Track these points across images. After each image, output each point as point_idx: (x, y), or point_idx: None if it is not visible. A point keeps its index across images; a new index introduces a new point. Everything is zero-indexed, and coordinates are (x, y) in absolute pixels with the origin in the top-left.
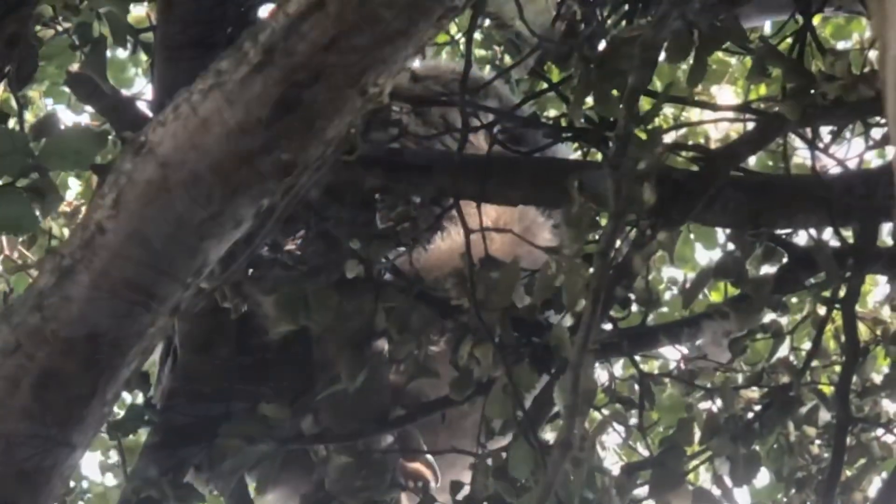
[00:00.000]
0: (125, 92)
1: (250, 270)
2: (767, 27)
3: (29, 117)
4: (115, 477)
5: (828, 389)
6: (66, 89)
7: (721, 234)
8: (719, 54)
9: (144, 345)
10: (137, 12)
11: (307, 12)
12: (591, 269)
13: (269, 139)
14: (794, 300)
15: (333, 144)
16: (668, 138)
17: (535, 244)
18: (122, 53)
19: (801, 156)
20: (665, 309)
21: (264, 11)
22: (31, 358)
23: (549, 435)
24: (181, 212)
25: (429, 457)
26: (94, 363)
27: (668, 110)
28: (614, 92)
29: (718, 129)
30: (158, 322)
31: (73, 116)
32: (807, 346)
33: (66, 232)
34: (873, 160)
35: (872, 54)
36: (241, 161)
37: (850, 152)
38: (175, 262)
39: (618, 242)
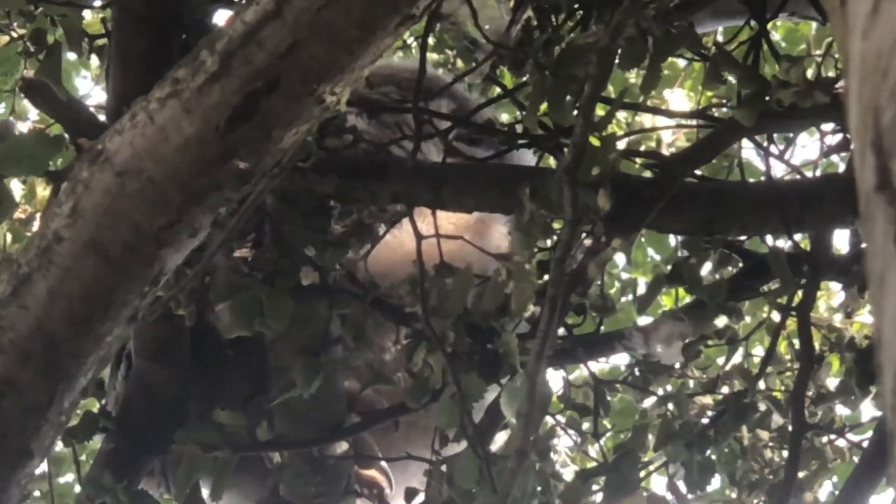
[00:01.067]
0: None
1: (206, 277)
2: (720, 33)
3: None
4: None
5: (782, 395)
6: (13, 95)
7: (674, 238)
8: (670, 58)
9: (102, 353)
10: (92, 19)
11: (264, 20)
12: (546, 276)
13: (226, 148)
14: (748, 306)
15: (290, 152)
16: (622, 144)
17: (485, 251)
18: (71, 58)
19: (756, 162)
20: (619, 316)
21: (220, 18)
22: None
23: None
24: (138, 220)
25: (383, 464)
26: (51, 372)
27: (621, 115)
28: (569, 99)
29: (671, 134)
30: (116, 331)
31: (19, 124)
32: (761, 352)
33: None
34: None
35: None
36: (199, 170)
37: (804, 159)
38: (132, 271)
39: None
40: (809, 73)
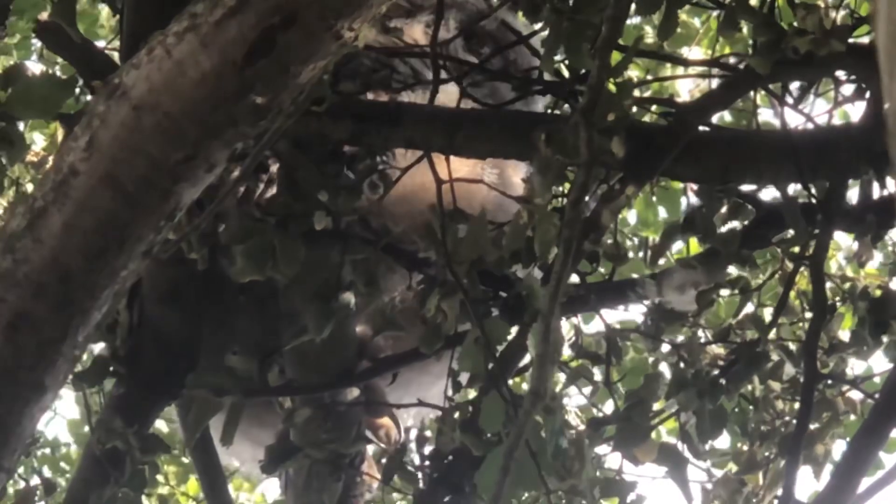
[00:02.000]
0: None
1: (218, 221)
2: None
3: None
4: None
5: (794, 346)
6: (37, 42)
7: (684, 199)
8: (685, 16)
9: (116, 287)
10: None
11: None
12: (562, 220)
13: (243, 83)
14: (762, 258)
15: (307, 89)
16: (638, 93)
17: (506, 194)
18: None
19: (769, 115)
20: (631, 269)
21: None
22: (2, 301)
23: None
24: (154, 154)
25: (394, 411)
26: (65, 306)
27: (638, 71)
28: (585, 45)
29: (687, 91)
30: (131, 265)
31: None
32: (774, 303)
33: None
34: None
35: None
36: (216, 104)
37: (817, 108)
38: (148, 205)
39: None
40: (826, 21)
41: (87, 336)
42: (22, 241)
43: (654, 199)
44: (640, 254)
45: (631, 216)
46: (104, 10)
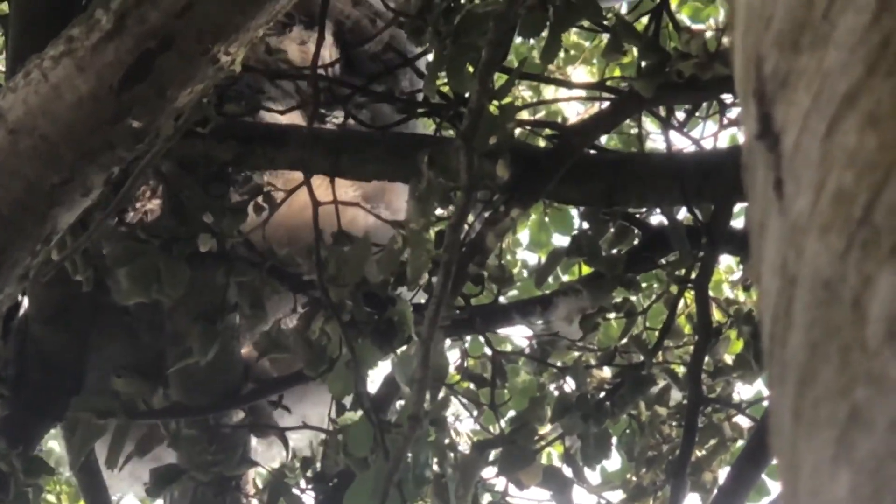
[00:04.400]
0: None
1: (102, 244)
2: (624, 7)
3: None
4: None
5: (680, 369)
6: None
7: (577, 219)
8: (574, 36)
9: None
10: None
11: None
12: (443, 245)
13: (120, 107)
14: (648, 278)
15: (185, 113)
16: (525, 114)
17: (380, 217)
18: None
19: (655, 139)
20: (516, 292)
21: None
22: None
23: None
24: (31, 178)
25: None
26: None
27: (525, 92)
28: (469, 68)
29: (576, 114)
30: (7, 289)
31: None
32: (660, 326)
33: None
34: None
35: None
36: (93, 128)
37: (704, 132)
38: (24, 229)
39: (471, 218)
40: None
41: None
42: None
43: (547, 220)
44: (529, 273)
45: (524, 237)
46: None
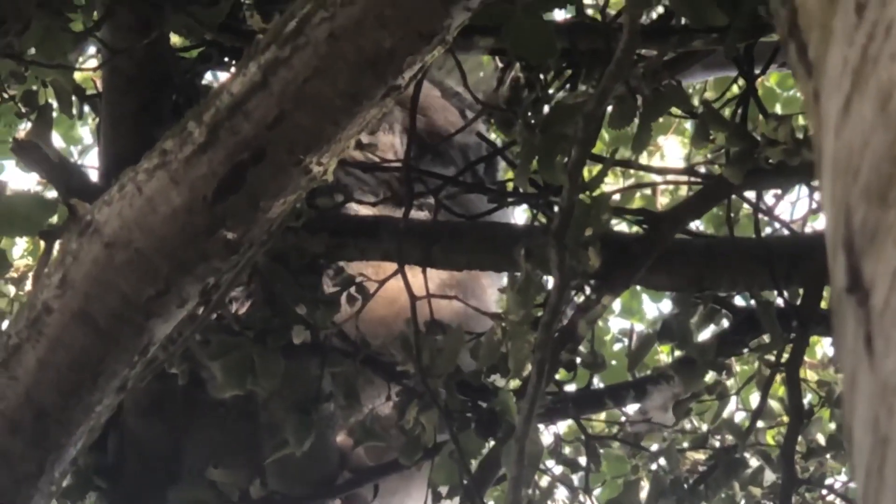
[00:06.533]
0: (74, 150)
1: (197, 335)
2: (710, 86)
3: None
4: None
5: (774, 450)
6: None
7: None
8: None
9: (91, 423)
10: (84, 76)
11: (251, 92)
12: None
13: (214, 218)
14: (741, 358)
15: (278, 222)
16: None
17: (480, 310)
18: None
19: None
20: (614, 362)
21: (209, 79)
22: None
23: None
24: (127, 291)
25: None
26: (41, 442)
27: (612, 177)
28: (559, 158)
29: (664, 190)
30: (105, 400)
31: (22, 173)
32: (754, 403)
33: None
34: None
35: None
36: (187, 240)
37: (795, 214)
38: (121, 341)
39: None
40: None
41: (62, 471)
42: None
43: (639, 288)
44: (624, 342)
45: (615, 304)
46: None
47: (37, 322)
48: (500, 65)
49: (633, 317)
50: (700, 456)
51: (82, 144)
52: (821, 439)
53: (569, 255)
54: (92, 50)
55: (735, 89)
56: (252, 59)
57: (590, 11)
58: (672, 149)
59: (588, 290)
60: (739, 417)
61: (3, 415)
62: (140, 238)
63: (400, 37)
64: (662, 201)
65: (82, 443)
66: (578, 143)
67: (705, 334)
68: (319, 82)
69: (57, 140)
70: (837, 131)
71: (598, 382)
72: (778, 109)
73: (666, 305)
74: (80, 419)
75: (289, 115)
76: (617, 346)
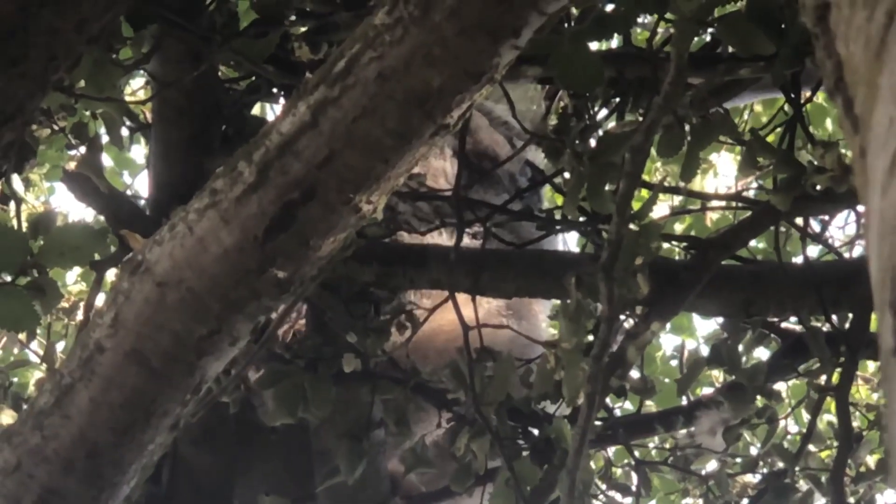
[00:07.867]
0: (126, 174)
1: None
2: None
3: (30, 198)
4: None
5: (824, 473)
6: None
7: None
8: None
9: (144, 461)
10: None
11: (301, 131)
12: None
13: (264, 257)
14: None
15: (328, 258)
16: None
17: (531, 338)
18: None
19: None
20: (666, 380)
21: (258, 110)
22: (31, 477)
23: None
24: (179, 330)
25: None
26: (94, 481)
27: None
28: (607, 187)
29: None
30: (158, 439)
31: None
32: (802, 427)
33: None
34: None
35: None
36: (238, 279)
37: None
38: (173, 380)
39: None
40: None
41: None
42: (50, 417)
43: None
44: (674, 362)
45: None
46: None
47: (89, 361)
48: (548, 94)
49: (683, 333)
50: (750, 479)
51: (133, 166)
52: (870, 462)
53: (618, 285)
54: (141, 81)
55: (782, 114)
56: (301, 99)
57: (637, 37)
58: (725, 164)
59: (637, 316)
60: (789, 438)
61: (57, 454)
62: (191, 277)
63: (448, 76)
64: (713, 217)
65: (135, 481)
66: (626, 176)
67: (758, 354)
68: (368, 122)
69: (107, 161)
70: (884, 191)
71: (649, 402)
72: (828, 125)
73: (717, 321)
74: (133, 458)
75: (338, 155)
76: (672, 363)
